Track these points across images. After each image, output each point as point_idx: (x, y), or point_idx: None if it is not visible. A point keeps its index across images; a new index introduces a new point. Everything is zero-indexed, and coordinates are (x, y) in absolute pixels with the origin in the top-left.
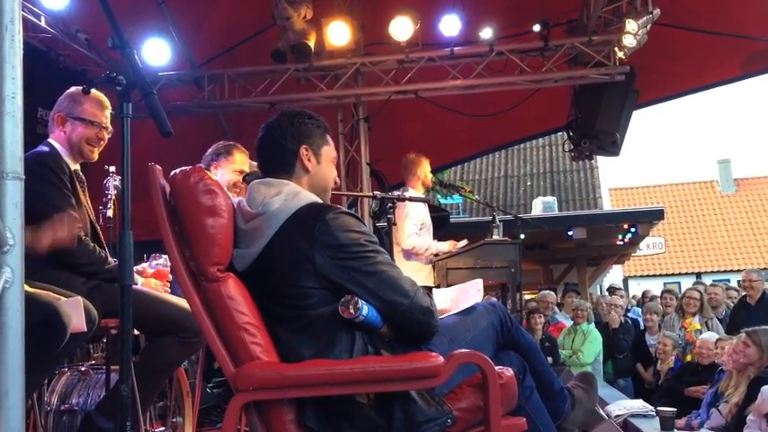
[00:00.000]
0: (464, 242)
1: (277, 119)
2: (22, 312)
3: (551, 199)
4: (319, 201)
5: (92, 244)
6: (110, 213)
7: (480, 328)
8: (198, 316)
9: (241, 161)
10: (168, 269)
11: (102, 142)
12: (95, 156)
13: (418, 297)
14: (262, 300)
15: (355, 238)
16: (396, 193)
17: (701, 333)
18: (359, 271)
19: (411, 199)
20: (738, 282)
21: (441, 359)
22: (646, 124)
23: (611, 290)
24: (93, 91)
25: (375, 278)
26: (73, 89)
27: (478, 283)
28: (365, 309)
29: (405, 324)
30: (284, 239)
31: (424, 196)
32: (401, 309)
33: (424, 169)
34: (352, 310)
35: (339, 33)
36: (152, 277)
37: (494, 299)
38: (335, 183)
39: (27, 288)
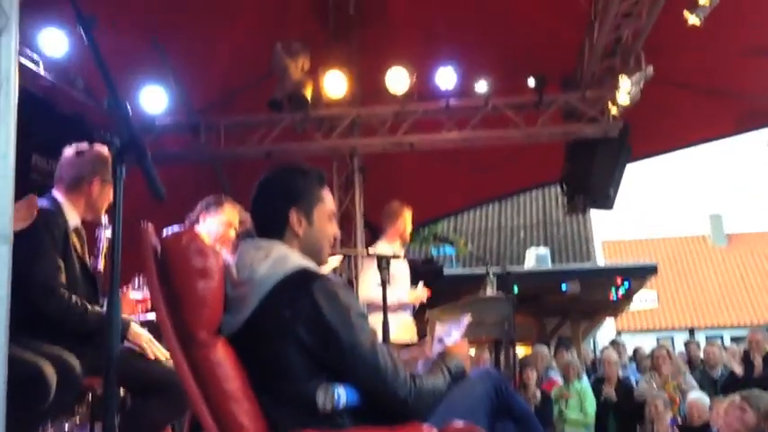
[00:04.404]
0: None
1: (269, 176)
2: (4, 371)
3: (544, 250)
4: (309, 266)
5: (66, 296)
6: (100, 266)
7: (475, 397)
8: (185, 382)
9: (231, 214)
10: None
11: None
12: None
13: (396, 386)
14: (247, 370)
15: (340, 313)
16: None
17: (679, 390)
18: (339, 349)
19: (408, 260)
20: (731, 338)
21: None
22: (638, 177)
23: (615, 343)
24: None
25: (354, 359)
26: (99, 150)
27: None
28: (342, 399)
29: (385, 399)
30: (269, 309)
31: (393, 252)
32: (377, 396)
33: (405, 221)
34: (327, 404)
35: (336, 84)
36: (136, 305)
37: (488, 365)
38: (333, 239)
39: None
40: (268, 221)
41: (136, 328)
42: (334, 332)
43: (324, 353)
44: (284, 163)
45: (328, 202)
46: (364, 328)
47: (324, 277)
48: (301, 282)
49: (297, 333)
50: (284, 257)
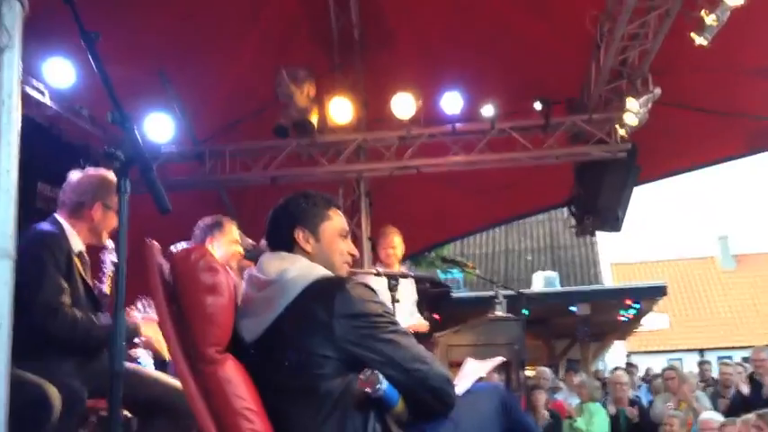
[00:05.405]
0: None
1: (278, 204)
2: (6, 397)
3: (553, 274)
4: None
5: (71, 313)
6: (106, 289)
7: (484, 412)
8: (192, 401)
9: (233, 230)
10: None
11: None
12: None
13: (436, 365)
14: (271, 372)
15: (374, 309)
16: (403, 269)
17: (692, 409)
18: (378, 339)
19: (414, 277)
20: (742, 359)
21: None
22: (643, 198)
23: (629, 366)
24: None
25: (394, 346)
26: (103, 175)
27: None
28: (384, 383)
29: (422, 394)
30: (300, 308)
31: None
32: (420, 375)
33: (392, 243)
34: (372, 384)
35: (341, 110)
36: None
37: (496, 381)
38: (350, 256)
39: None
40: (278, 242)
41: (146, 328)
42: (371, 326)
43: (361, 347)
44: (294, 192)
45: (336, 220)
46: (396, 322)
47: (354, 279)
48: (334, 282)
49: (332, 329)
50: (311, 265)
